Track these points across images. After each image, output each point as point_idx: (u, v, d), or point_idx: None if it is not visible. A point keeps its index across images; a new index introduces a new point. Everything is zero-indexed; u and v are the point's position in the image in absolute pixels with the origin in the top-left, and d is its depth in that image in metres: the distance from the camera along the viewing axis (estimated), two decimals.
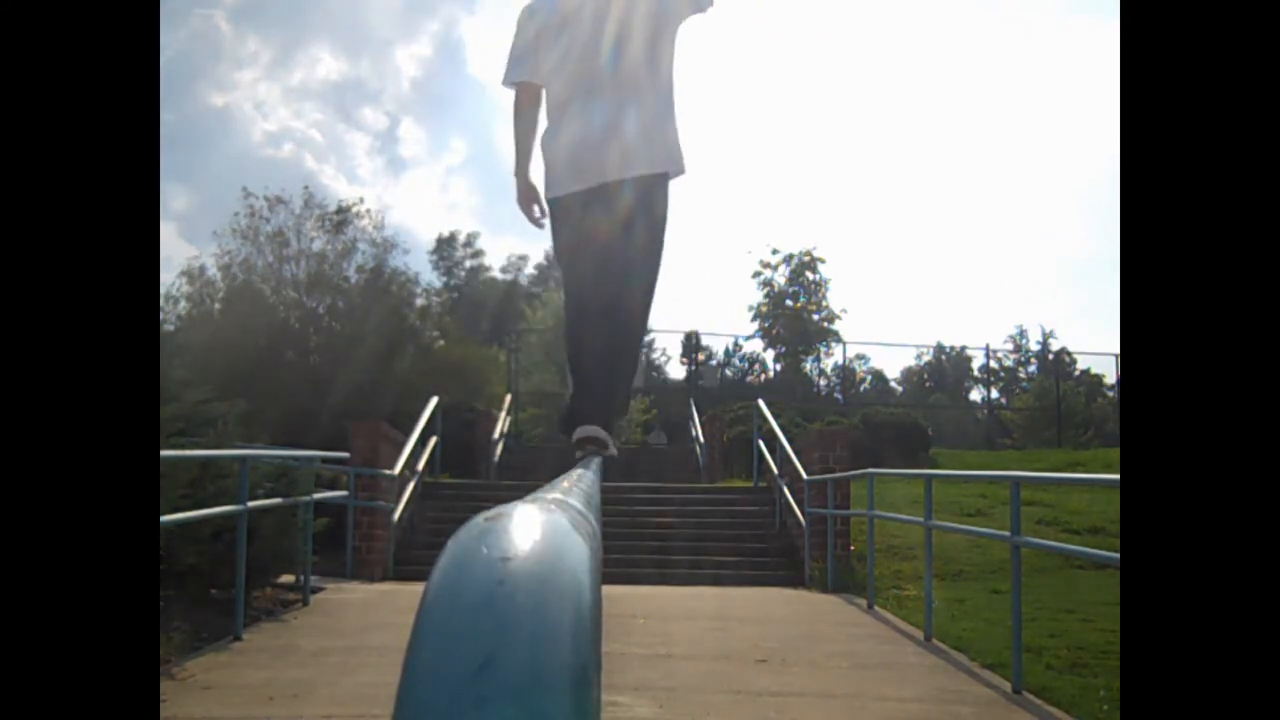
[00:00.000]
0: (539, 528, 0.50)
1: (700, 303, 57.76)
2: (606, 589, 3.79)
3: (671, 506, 10.63)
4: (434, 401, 11.03)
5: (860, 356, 34.86)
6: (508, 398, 16.80)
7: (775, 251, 24.07)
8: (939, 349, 36.28)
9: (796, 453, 9.74)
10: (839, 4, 65.43)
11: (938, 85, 61.11)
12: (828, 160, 65.31)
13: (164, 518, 4.40)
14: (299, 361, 16.62)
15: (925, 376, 38.68)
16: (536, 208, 2.95)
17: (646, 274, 2.80)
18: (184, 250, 56.56)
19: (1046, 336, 35.31)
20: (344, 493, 8.26)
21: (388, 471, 9.03)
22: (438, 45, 61.81)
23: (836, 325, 24.01)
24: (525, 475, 11.55)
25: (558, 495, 0.93)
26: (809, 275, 23.98)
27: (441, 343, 19.97)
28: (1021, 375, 30.92)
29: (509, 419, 16.29)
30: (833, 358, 25.67)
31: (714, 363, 29.82)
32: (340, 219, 18.07)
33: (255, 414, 9.83)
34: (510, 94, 2.93)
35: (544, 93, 2.88)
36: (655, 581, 8.44)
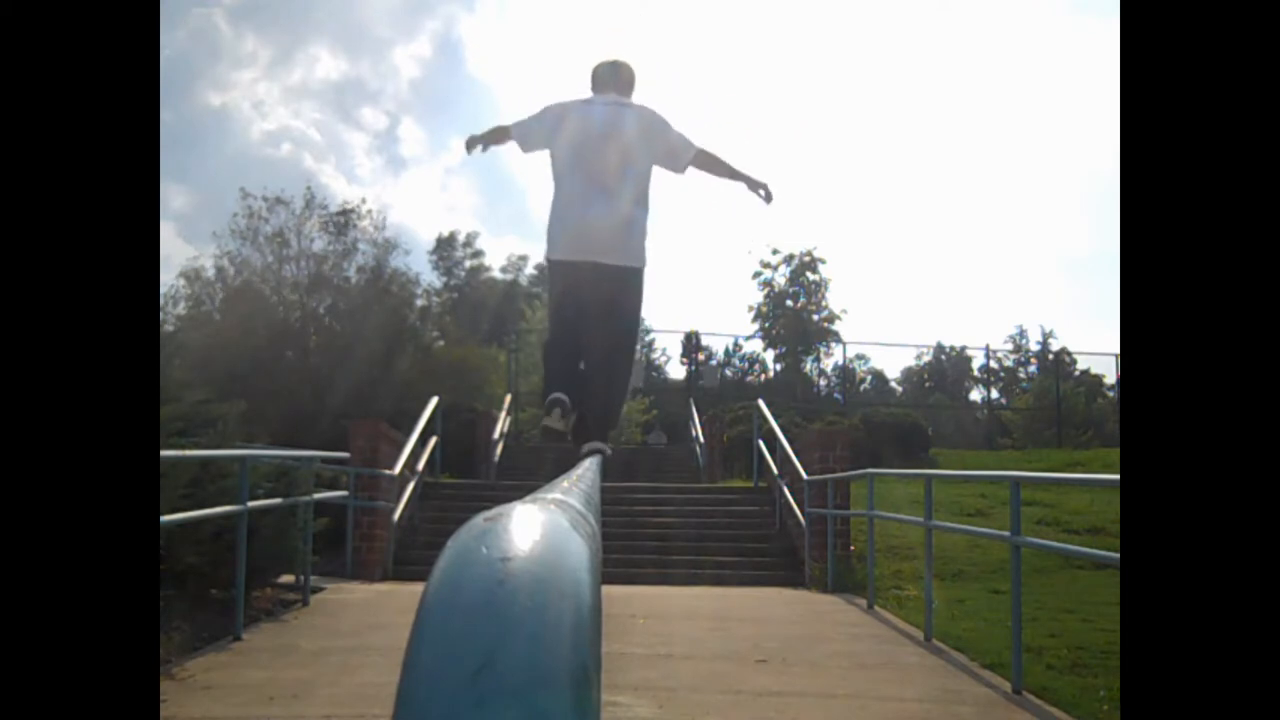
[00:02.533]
0: (539, 528, 0.50)
1: (700, 303, 57.79)
2: (606, 589, 3.79)
3: (671, 507, 10.63)
4: (434, 401, 11.03)
5: (860, 356, 34.87)
6: (508, 398, 16.78)
7: (775, 252, 24.10)
8: (939, 349, 36.28)
9: (796, 453, 9.74)
10: (839, 3, 65.49)
11: (938, 85, 61.15)
12: (828, 160, 65.35)
13: (164, 518, 4.40)
14: (299, 361, 16.64)
15: (925, 376, 38.67)
16: (478, 148, 4.07)
17: (632, 336, 3.91)
18: (183, 250, 56.44)
19: (1046, 336, 35.35)
20: (344, 493, 8.26)
21: (388, 471, 9.02)
22: (437, 44, 61.85)
23: (836, 325, 24.04)
24: (525, 475, 11.55)
25: (558, 495, 0.93)
26: (809, 275, 23.99)
27: (441, 343, 19.99)
28: (1021, 375, 30.93)
29: (509, 419, 16.27)
30: (833, 358, 25.69)
31: (714, 363, 29.82)
32: (343, 221, 18.09)
33: (255, 414, 9.84)
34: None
35: (517, 143, 3.97)
36: (655, 581, 8.44)
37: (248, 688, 4.19)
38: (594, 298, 3.68)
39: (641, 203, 3.80)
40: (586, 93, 4.03)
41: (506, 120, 4.01)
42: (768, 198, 4.05)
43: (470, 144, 4.06)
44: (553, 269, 3.86)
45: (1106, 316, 48.60)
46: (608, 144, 3.74)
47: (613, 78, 3.97)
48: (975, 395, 33.31)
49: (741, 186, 4.03)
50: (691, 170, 3.97)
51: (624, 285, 3.71)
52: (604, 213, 3.66)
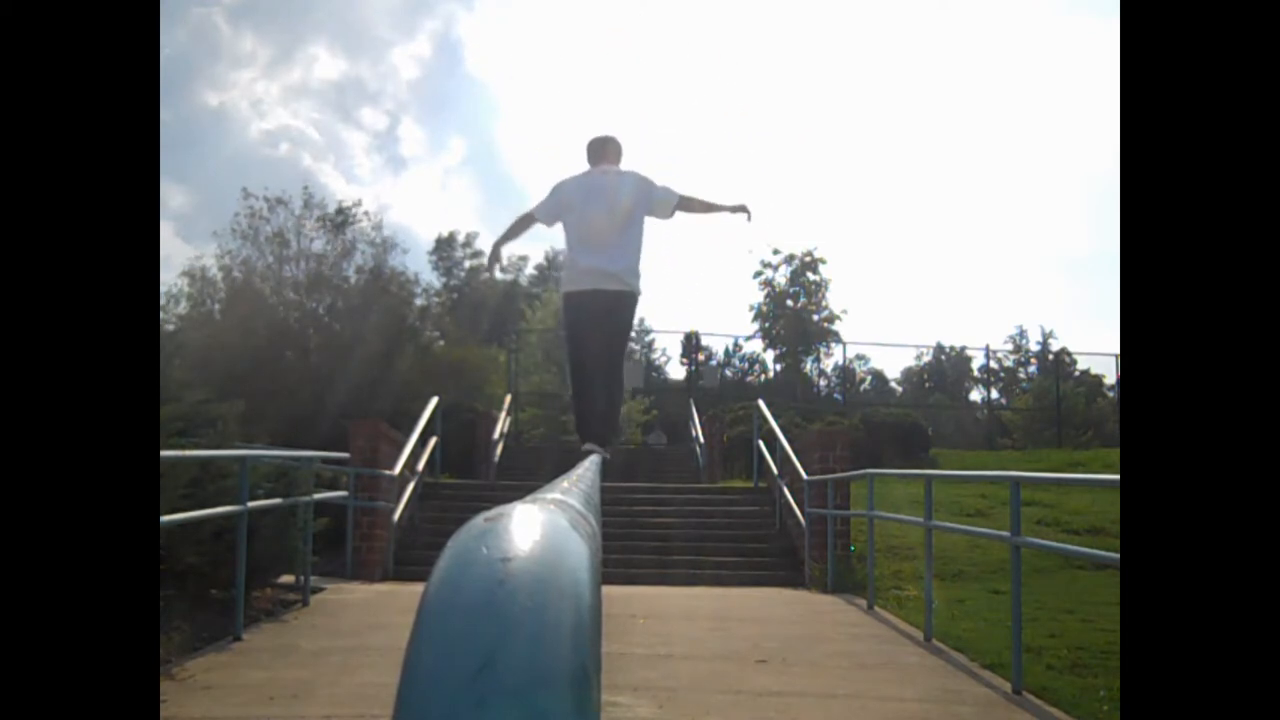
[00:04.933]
0: (539, 528, 0.50)
1: (700, 303, 57.79)
2: (606, 589, 3.78)
3: (671, 507, 10.63)
4: (434, 401, 11.02)
5: (860, 356, 34.89)
6: (508, 398, 16.77)
7: (776, 251, 24.12)
8: (939, 349, 36.28)
9: (796, 453, 9.73)
10: (839, 3, 65.46)
11: (938, 84, 61.14)
12: (828, 160, 65.34)
13: (164, 518, 4.39)
14: (299, 361, 16.61)
15: (925, 376, 38.67)
16: (497, 266, 5.58)
17: (621, 340, 4.91)
18: (182, 250, 56.32)
19: (1046, 336, 35.37)
20: (344, 493, 8.25)
21: (388, 471, 9.02)
22: (436, 43, 61.87)
23: (836, 325, 24.04)
24: (525, 475, 11.55)
25: (558, 495, 0.93)
26: (809, 276, 23.99)
27: (441, 343, 19.99)
28: (1021, 375, 30.92)
29: (509, 419, 16.26)
30: (833, 358, 25.70)
31: (714, 363, 29.82)
32: (341, 220, 18.08)
33: (255, 414, 9.83)
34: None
35: (541, 222, 4.96)
36: (655, 582, 8.44)
37: (248, 688, 4.19)
38: (593, 312, 4.65)
39: (635, 246, 4.77)
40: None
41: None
42: (749, 216, 5.02)
43: (491, 264, 5.43)
44: (565, 302, 4.89)
45: (1106, 316, 48.67)
46: (606, 207, 4.72)
47: (604, 151, 4.96)
48: (975, 395, 33.33)
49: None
50: (679, 214, 4.93)
51: (618, 303, 4.69)
52: (604, 260, 4.65)
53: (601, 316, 4.64)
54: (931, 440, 18.04)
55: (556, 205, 4.89)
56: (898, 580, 8.27)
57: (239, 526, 5.36)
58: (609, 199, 4.73)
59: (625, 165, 5.00)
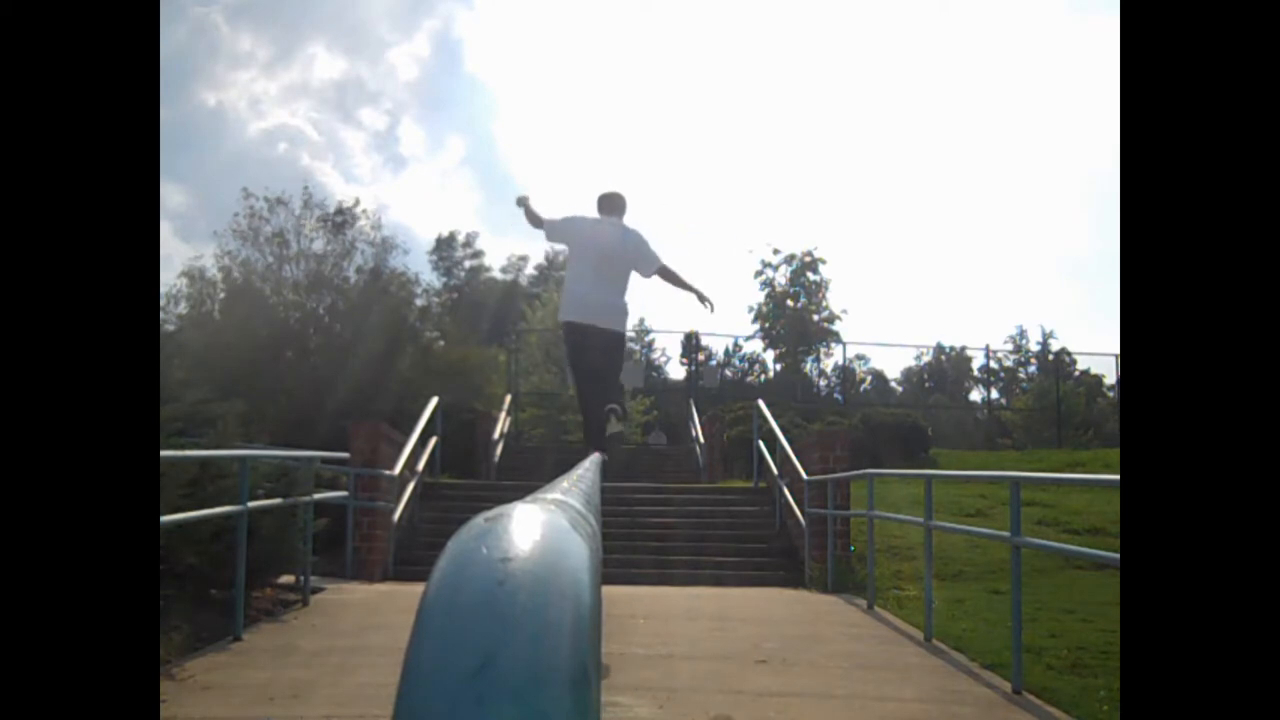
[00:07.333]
0: (539, 528, 0.50)
1: (700, 303, 57.63)
2: (606, 589, 3.78)
3: (671, 507, 10.62)
4: (434, 402, 11.02)
5: (860, 356, 34.86)
6: (508, 398, 16.77)
7: (776, 252, 24.14)
8: (939, 349, 36.24)
9: (796, 453, 9.73)
10: (839, 3, 65.48)
11: (938, 84, 61.14)
12: (828, 160, 65.34)
13: (164, 518, 4.39)
14: (299, 362, 16.59)
15: (925, 376, 38.64)
16: (533, 215, 5.95)
17: (614, 368, 5.65)
18: (181, 250, 56.16)
19: (1046, 336, 35.31)
20: (344, 493, 8.25)
21: (388, 472, 9.01)
22: (436, 43, 61.90)
23: (837, 326, 24.06)
24: (525, 475, 11.55)
25: (557, 496, 0.93)
26: (810, 276, 24.02)
27: (441, 343, 19.97)
28: (1021, 375, 30.88)
29: (509, 419, 16.27)
30: (833, 358, 25.71)
31: (714, 363, 29.79)
32: (341, 220, 18.07)
33: (255, 414, 9.83)
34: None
35: (544, 232, 5.81)
36: (655, 582, 8.43)
37: (248, 688, 4.19)
38: (594, 346, 5.47)
39: (625, 291, 5.59)
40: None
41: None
42: (711, 309, 5.92)
43: (521, 201, 5.84)
44: (566, 328, 5.68)
45: (1106, 316, 48.60)
46: (607, 252, 5.53)
47: (613, 205, 5.74)
48: (975, 395, 33.29)
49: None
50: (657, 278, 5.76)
51: (613, 342, 5.57)
52: (600, 296, 5.47)
53: (595, 348, 5.48)
54: (931, 440, 18.03)
55: (563, 232, 5.75)
56: (898, 580, 8.27)
57: (239, 526, 5.35)
58: (610, 246, 5.55)
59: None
